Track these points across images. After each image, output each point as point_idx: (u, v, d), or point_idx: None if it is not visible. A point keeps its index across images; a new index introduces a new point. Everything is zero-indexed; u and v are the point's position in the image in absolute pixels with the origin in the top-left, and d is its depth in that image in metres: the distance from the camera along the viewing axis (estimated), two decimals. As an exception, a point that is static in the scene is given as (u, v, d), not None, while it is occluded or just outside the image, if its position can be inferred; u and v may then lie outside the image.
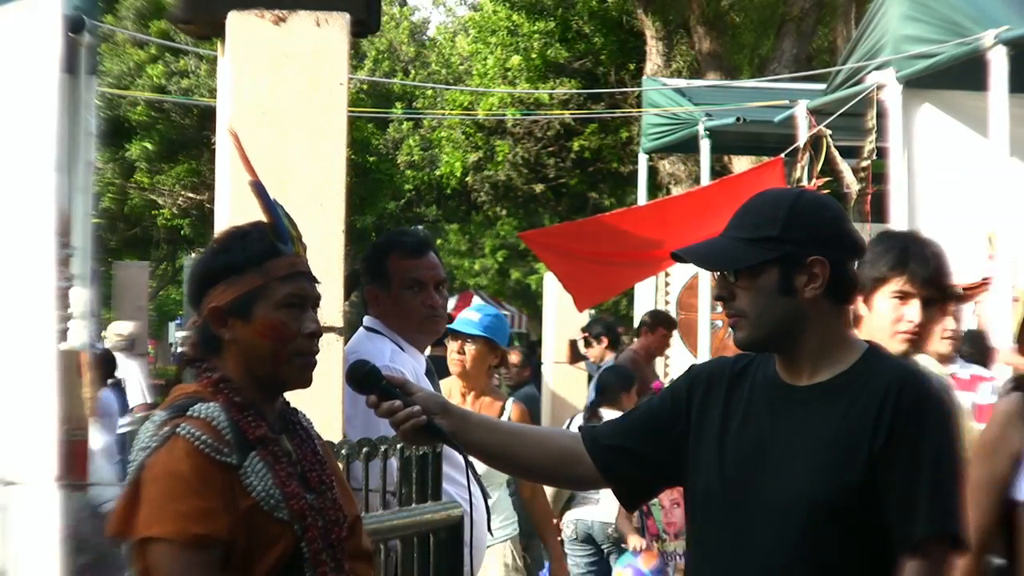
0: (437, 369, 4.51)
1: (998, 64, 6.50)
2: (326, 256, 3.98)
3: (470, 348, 5.58)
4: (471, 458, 2.75)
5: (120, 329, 11.05)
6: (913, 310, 3.46)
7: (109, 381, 9.24)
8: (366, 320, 4.29)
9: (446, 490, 3.93)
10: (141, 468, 2.46)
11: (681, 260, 2.75)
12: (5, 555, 4.57)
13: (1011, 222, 6.51)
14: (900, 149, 7.15)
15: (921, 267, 3.45)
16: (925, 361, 3.64)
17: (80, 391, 5.04)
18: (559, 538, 7.52)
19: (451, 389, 5.58)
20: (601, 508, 7.02)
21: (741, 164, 13.48)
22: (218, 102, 5.00)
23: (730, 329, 2.78)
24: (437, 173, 21.20)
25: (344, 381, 3.42)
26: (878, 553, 2.53)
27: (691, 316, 10.25)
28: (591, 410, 7.21)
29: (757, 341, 2.64)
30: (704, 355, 9.84)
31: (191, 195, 21.77)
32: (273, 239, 2.60)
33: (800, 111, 8.72)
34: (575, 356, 11.99)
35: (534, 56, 18.98)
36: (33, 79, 4.72)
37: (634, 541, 6.91)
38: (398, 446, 3.64)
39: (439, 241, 29.45)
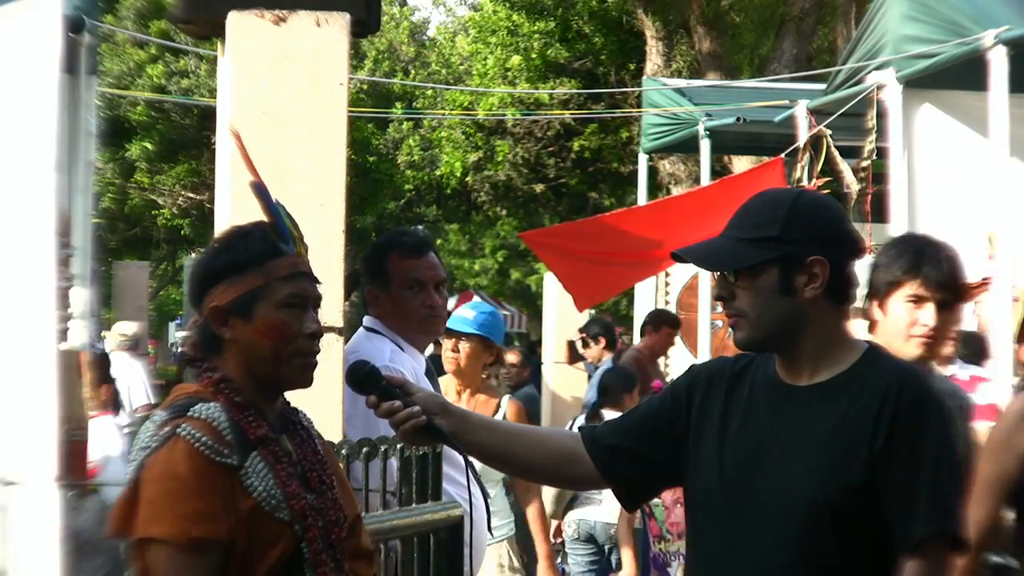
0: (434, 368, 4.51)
1: (998, 64, 6.50)
2: (326, 256, 3.98)
3: (464, 346, 5.58)
4: (471, 458, 2.75)
5: (124, 329, 11.05)
6: (928, 314, 3.46)
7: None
8: (366, 320, 4.29)
9: (446, 490, 3.93)
10: (141, 468, 2.46)
11: (681, 260, 2.75)
12: (5, 555, 4.57)
13: (1011, 222, 6.50)
14: (900, 149, 7.15)
15: (935, 270, 3.45)
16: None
17: (80, 391, 5.04)
18: (560, 539, 7.52)
19: (447, 387, 5.58)
20: (603, 508, 7.02)
21: (741, 164, 13.47)
22: (218, 102, 5.00)
23: (730, 329, 2.78)
24: (437, 173, 21.19)
25: (344, 381, 3.42)
26: (878, 553, 2.53)
27: (691, 316, 10.25)
28: (593, 411, 7.21)
29: (757, 341, 2.64)
30: (704, 355, 9.84)
31: (191, 195, 21.76)
32: (274, 239, 2.60)
33: (800, 111, 8.72)
34: (573, 356, 12.00)
35: (534, 56, 18.98)
36: (33, 79, 4.72)
37: (626, 558, 6.90)
38: (398, 446, 3.64)
39: (439, 241, 29.46)
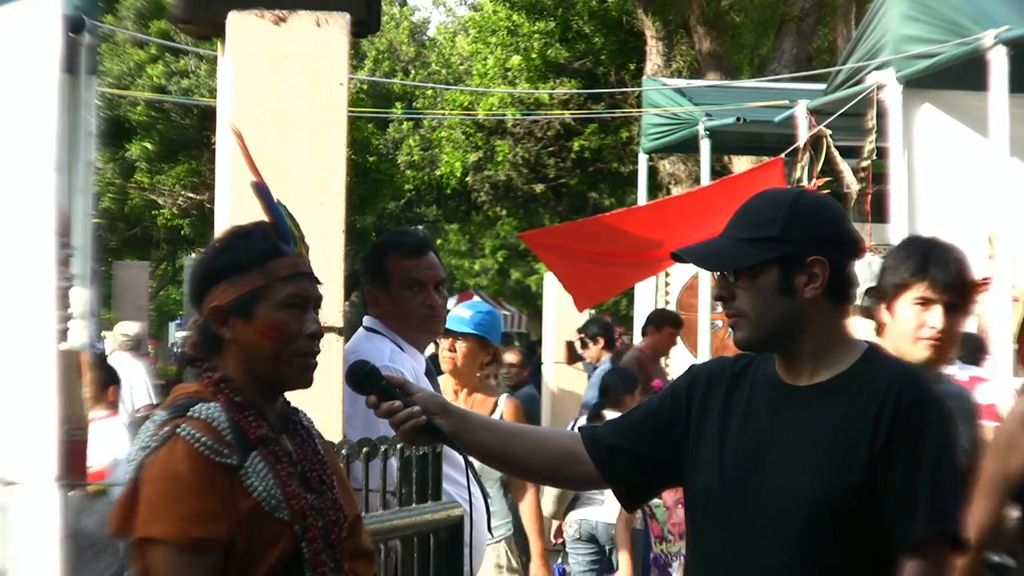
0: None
1: (998, 64, 6.50)
2: (326, 256, 3.98)
3: (461, 346, 5.57)
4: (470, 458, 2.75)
5: (127, 329, 11.05)
6: (935, 316, 3.45)
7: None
8: (366, 320, 4.29)
9: (446, 490, 3.93)
10: (140, 467, 2.46)
11: (681, 260, 2.75)
12: (5, 555, 4.56)
13: (1011, 222, 6.51)
14: (900, 149, 7.15)
15: (942, 272, 3.45)
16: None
17: (80, 391, 5.03)
18: (560, 540, 7.52)
19: (444, 387, 5.58)
20: (605, 509, 7.02)
21: (741, 164, 13.47)
22: (218, 102, 5.00)
23: (730, 329, 2.78)
24: (437, 173, 21.20)
25: (344, 381, 3.42)
26: (878, 553, 2.53)
27: (691, 316, 10.25)
28: (595, 412, 7.20)
29: (757, 341, 2.64)
30: (704, 355, 9.84)
31: (191, 195, 21.77)
32: (275, 239, 2.60)
33: (800, 111, 8.72)
34: (572, 357, 11.99)
35: (534, 56, 18.98)
36: (33, 79, 4.72)
37: (623, 560, 6.90)
38: (398, 446, 3.64)
39: (439, 241, 29.46)
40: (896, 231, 7.11)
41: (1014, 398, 4.73)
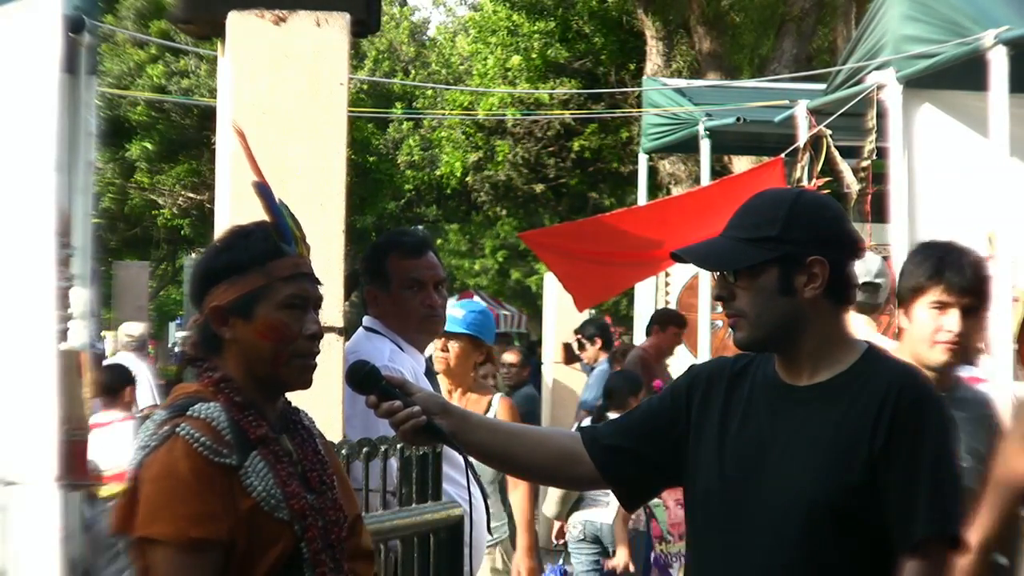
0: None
1: (998, 64, 6.50)
2: (326, 256, 3.98)
3: (454, 346, 5.56)
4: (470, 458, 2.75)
5: (131, 330, 11.06)
6: (952, 319, 3.46)
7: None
8: (366, 320, 4.29)
9: (446, 490, 3.93)
10: (140, 467, 2.46)
11: (681, 260, 2.75)
12: (5, 555, 4.57)
13: (1011, 222, 6.50)
14: (900, 149, 7.14)
15: (958, 276, 3.45)
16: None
17: (80, 391, 5.03)
18: (562, 540, 7.53)
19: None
20: (610, 510, 7.03)
21: (741, 164, 13.47)
22: (218, 102, 5.00)
23: (730, 329, 2.78)
24: (437, 173, 21.20)
25: (344, 381, 3.42)
26: (878, 553, 2.53)
27: (691, 316, 10.24)
28: (599, 414, 7.21)
29: (757, 341, 2.64)
30: (704, 355, 9.83)
31: (191, 195, 21.77)
32: (276, 239, 2.60)
33: (800, 111, 8.71)
34: (569, 358, 11.99)
35: (534, 56, 18.98)
36: (33, 79, 4.72)
37: (619, 558, 6.92)
38: (398, 446, 3.64)
39: (439, 241, 29.47)
40: (896, 231, 7.11)
41: (1015, 399, 4.72)
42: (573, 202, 20.82)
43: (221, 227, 3.66)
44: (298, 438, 2.63)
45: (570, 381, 11.97)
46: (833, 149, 8.29)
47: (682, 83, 12.42)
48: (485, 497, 3.44)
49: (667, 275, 11.33)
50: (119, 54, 21.30)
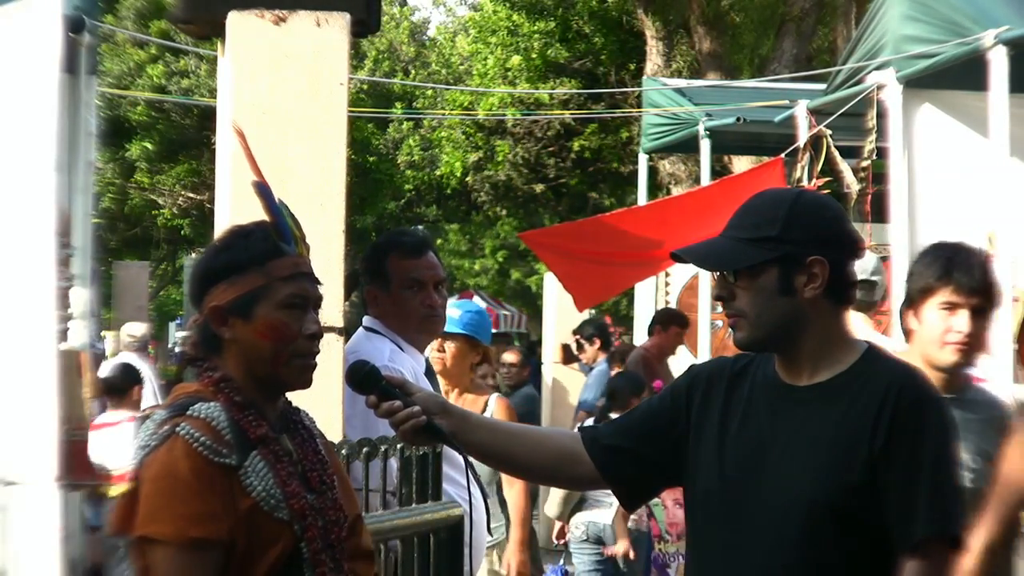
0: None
1: (998, 64, 6.50)
2: (326, 256, 3.98)
3: (450, 346, 5.56)
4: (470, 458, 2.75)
5: (133, 331, 11.07)
6: (961, 320, 3.46)
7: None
8: (366, 320, 4.29)
9: (446, 490, 3.93)
10: (140, 466, 2.46)
11: (681, 260, 2.75)
12: (5, 555, 4.57)
13: (1011, 222, 6.50)
14: (900, 149, 7.14)
15: (966, 276, 3.45)
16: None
17: (80, 391, 5.03)
18: (563, 540, 7.52)
19: None
20: (613, 511, 7.04)
21: (741, 164, 13.47)
22: (218, 102, 5.00)
23: (730, 329, 2.78)
24: (437, 173, 21.20)
25: (344, 381, 3.42)
26: (878, 553, 2.53)
27: (691, 316, 10.24)
28: (602, 415, 7.21)
29: (757, 341, 2.64)
30: (704, 355, 9.83)
31: (191, 195, 21.77)
32: (276, 239, 2.59)
33: (800, 111, 8.72)
34: (568, 358, 11.99)
35: (534, 56, 18.98)
36: (33, 79, 4.72)
37: (620, 547, 6.92)
38: (398, 446, 3.64)
39: (439, 241, 29.46)
40: (896, 231, 7.11)
41: (1015, 400, 4.72)
42: (573, 202, 20.82)
43: (221, 227, 3.66)
44: (298, 438, 2.63)
45: (570, 381, 11.97)
46: (833, 149, 8.29)
47: (682, 83, 12.42)
48: (485, 497, 3.44)
49: (667, 275, 11.33)
50: (119, 54, 21.31)
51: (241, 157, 2.68)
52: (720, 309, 5.69)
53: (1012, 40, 6.48)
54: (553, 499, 7.34)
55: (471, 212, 23.19)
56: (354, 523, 2.67)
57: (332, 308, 3.98)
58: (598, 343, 10.42)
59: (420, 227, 20.52)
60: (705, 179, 10.31)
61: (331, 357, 3.89)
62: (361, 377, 2.69)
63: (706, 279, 9.77)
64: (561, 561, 7.95)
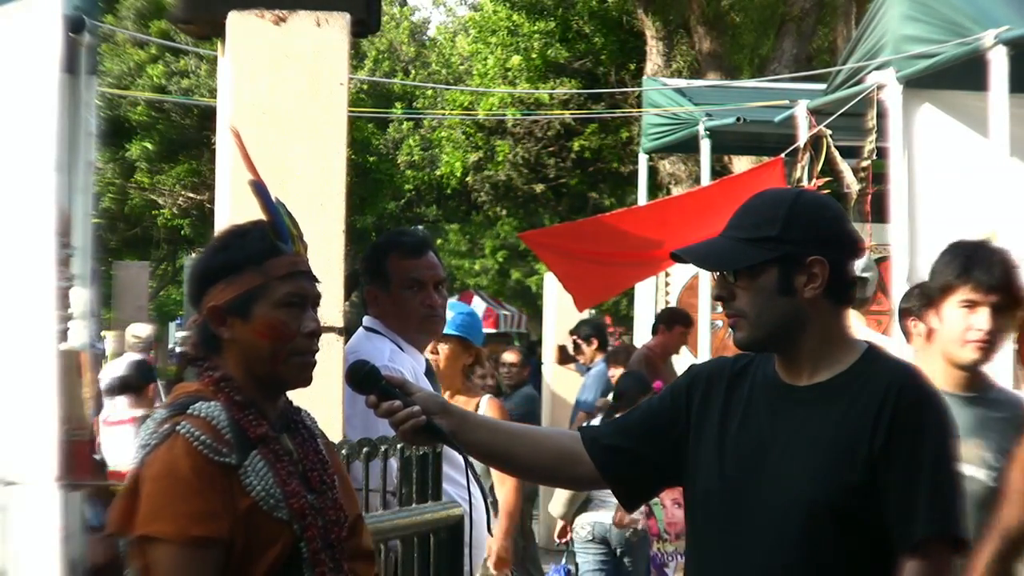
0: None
1: (998, 64, 6.50)
2: (326, 256, 3.98)
3: (443, 347, 5.55)
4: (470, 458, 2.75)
5: (138, 331, 11.08)
6: (981, 318, 3.46)
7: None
8: (366, 320, 4.30)
9: (446, 490, 3.93)
10: (141, 465, 2.46)
11: (681, 260, 2.75)
12: (5, 555, 4.56)
13: (1011, 222, 6.50)
14: (900, 149, 7.14)
15: (986, 274, 3.45)
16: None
17: (80, 391, 5.03)
18: (564, 540, 7.52)
19: None
20: None
21: (741, 164, 13.47)
22: (218, 102, 5.00)
23: (730, 329, 2.78)
24: (437, 173, 21.21)
25: (344, 381, 3.42)
26: (878, 553, 2.53)
27: (691, 316, 10.24)
28: (608, 415, 7.21)
29: (757, 341, 2.64)
30: (704, 355, 9.83)
31: (191, 195, 21.78)
32: (273, 238, 2.60)
33: (800, 111, 8.71)
34: (564, 359, 11.98)
35: (534, 56, 18.98)
36: (33, 79, 4.72)
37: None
38: (398, 446, 3.64)
39: (439, 241, 29.46)
40: (896, 231, 7.11)
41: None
42: (573, 202, 20.82)
43: (221, 227, 3.66)
44: (299, 437, 2.63)
45: (570, 381, 11.97)
46: (833, 149, 8.29)
47: (682, 83, 12.42)
48: (485, 497, 3.44)
49: (667, 275, 11.33)
50: (119, 54, 21.31)
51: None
52: (720, 309, 5.69)
53: (1012, 40, 6.47)
54: (558, 499, 7.35)
55: (471, 212, 23.19)
56: (354, 523, 2.67)
57: (332, 308, 3.98)
58: (595, 343, 10.42)
59: (420, 227, 20.51)
60: (705, 179, 10.31)
61: (331, 357, 3.89)
62: (361, 377, 2.69)
63: (706, 279, 9.77)
64: (564, 561, 7.94)
